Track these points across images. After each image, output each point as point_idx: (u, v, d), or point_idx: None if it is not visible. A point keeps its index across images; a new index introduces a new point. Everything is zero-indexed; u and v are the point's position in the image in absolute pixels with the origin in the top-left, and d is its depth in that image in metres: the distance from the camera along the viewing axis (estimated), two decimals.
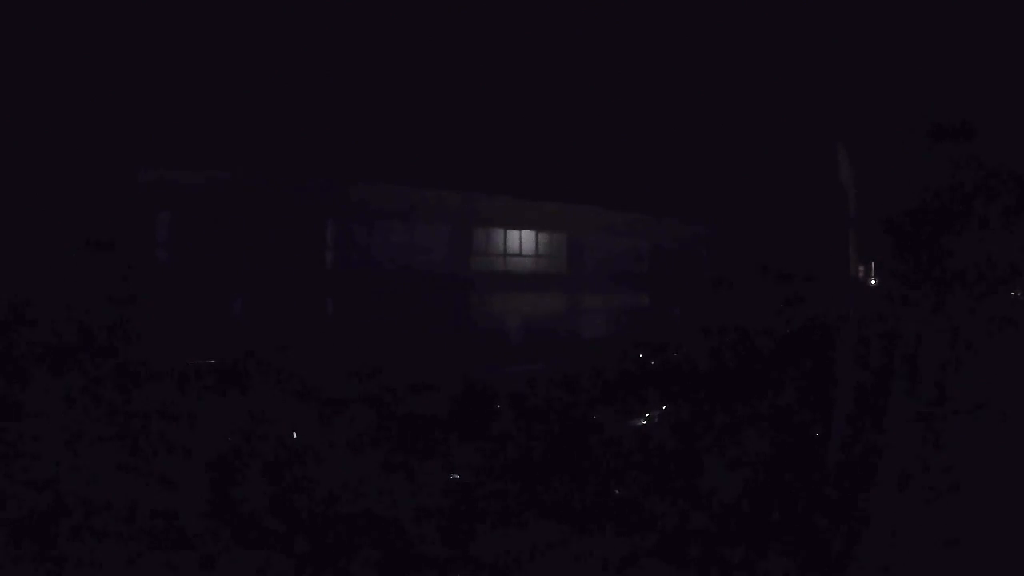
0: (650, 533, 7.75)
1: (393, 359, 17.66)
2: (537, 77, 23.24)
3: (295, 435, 11.32)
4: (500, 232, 23.86)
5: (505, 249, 24.05)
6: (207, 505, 8.32)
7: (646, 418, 12.88)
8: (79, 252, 15.57)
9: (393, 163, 20.30)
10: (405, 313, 20.50)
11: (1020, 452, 8.37)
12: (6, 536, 7.34)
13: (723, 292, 28.94)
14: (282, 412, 12.58)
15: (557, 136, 23.98)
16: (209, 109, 18.09)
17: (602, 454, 10.75)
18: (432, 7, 21.29)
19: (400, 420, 12.25)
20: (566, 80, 23.60)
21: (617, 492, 9.08)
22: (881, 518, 6.90)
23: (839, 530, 7.12)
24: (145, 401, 12.99)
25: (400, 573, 7.03)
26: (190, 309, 17.29)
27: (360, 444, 10.87)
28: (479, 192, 22.57)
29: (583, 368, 18.17)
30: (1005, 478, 7.45)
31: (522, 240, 24.58)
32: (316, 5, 20.11)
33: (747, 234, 28.99)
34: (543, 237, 25.22)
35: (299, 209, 19.41)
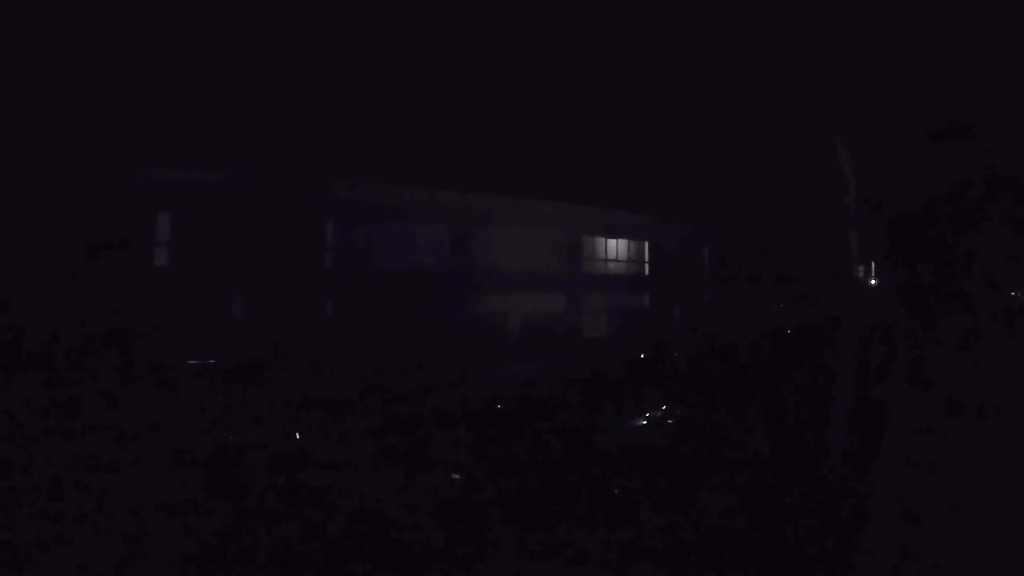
0: (649, 534, 7.76)
1: (393, 359, 17.68)
2: (539, 78, 23.26)
3: (295, 435, 11.34)
4: (501, 232, 23.85)
5: (506, 249, 24.04)
6: (206, 505, 8.33)
7: (646, 418, 12.89)
8: (79, 252, 15.58)
9: (393, 163, 20.31)
10: (405, 313, 20.51)
11: (1021, 453, 8.38)
12: (5, 536, 7.36)
13: (723, 292, 28.97)
14: (282, 412, 12.61)
15: (557, 136, 24.00)
16: (209, 109, 18.11)
17: (602, 454, 10.76)
18: (434, 7, 21.31)
19: (400, 420, 12.28)
20: (567, 81, 23.62)
21: (616, 493, 9.09)
22: (881, 519, 6.90)
23: (839, 533, 7.13)
24: (144, 401, 13.02)
25: (400, 574, 7.03)
26: (190, 309, 17.30)
27: (360, 444, 10.90)
28: (479, 192, 22.57)
29: (583, 368, 18.19)
30: (1007, 479, 7.46)
31: (524, 240, 24.57)
32: (316, 6, 20.13)
33: (747, 234, 29.01)
34: (544, 237, 25.22)
35: (299, 209, 19.42)
